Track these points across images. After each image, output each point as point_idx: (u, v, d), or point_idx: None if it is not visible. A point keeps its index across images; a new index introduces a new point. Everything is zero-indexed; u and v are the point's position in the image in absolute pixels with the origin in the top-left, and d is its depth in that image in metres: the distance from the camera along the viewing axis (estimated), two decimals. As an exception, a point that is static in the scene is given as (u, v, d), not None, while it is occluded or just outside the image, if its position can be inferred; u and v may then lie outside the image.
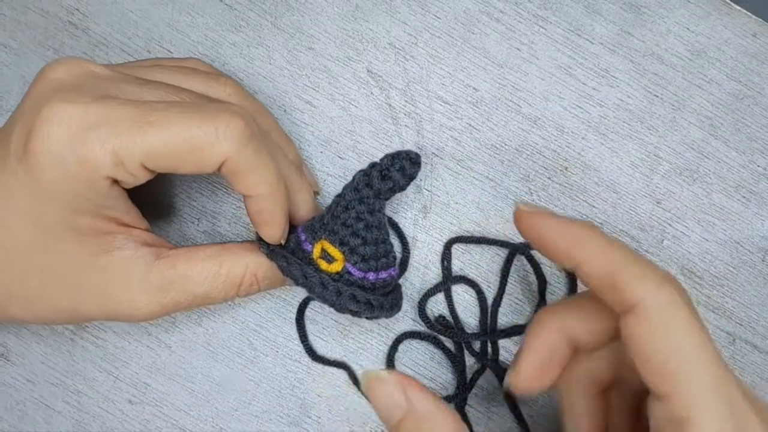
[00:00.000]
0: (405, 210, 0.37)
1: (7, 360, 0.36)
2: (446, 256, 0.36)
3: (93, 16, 0.38)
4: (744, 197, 0.37)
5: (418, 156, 0.30)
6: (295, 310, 0.37)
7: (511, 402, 0.36)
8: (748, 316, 0.36)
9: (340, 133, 0.37)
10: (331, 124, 0.37)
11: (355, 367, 0.36)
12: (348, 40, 0.38)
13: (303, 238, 0.31)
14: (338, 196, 0.30)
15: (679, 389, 0.23)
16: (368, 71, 0.37)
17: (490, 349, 0.36)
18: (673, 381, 0.23)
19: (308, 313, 0.37)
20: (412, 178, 0.30)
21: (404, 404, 0.25)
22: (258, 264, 0.31)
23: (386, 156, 0.30)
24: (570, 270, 0.27)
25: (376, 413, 0.27)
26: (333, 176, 0.37)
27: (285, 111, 0.37)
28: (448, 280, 0.36)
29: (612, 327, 0.28)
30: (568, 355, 0.29)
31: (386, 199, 0.30)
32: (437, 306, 0.37)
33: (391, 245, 0.31)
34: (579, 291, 0.37)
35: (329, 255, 0.30)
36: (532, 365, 0.28)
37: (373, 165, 0.30)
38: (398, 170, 0.29)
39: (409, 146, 0.37)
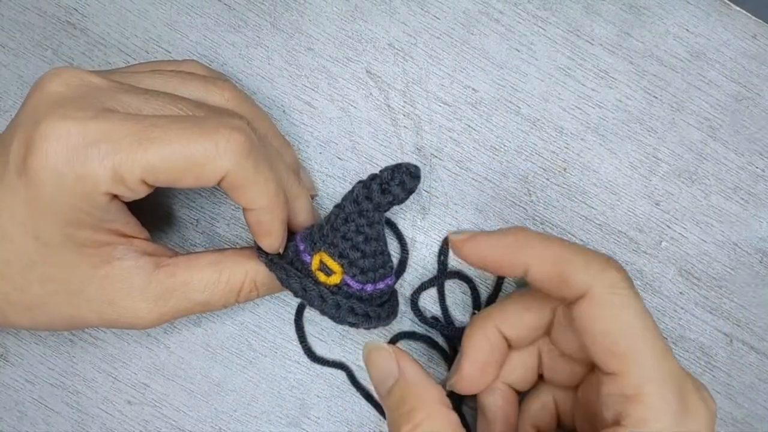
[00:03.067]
0: (404, 211, 0.37)
1: (6, 361, 0.36)
2: (443, 251, 0.37)
3: (91, 16, 0.37)
4: (742, 199, 0.37)
5: (417, 169, 0.30)
6: (293, 311, 0.37)
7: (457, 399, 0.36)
8: (745, 317, 0.36)
9: (339, 134, 0.37)
10: (330, 125, 0.37)
11: (353, 367, 0.37)
12: (347, 41, 0.37)
13: (301, 248, 0.31)
14: (337, 206, 0.31)
15: (629, 367, 0.25)
16: (367, 72, 0.37)
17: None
18: (623, 360, 0.25)
19: (307, 314, 0.37)
20: (411, 191, 0.30)
21: (396, 372, 0.28)
22: (257, 271, 0.32)
23: (386, 169, 0.29)
24: (520, 276, 0.29)
25: (372, 381, 0.29)
26: (332, 177, 0.37)
27: (284, 112, 0.37)
28: (443, 274, 0.36)
29: (538, 323, 0.31)
30: (505, 354, 0.32)
31: (385, 211, 0.30)
32: (434, 306, 0.37)
33: (389, 255, 0.32)
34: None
35: (328, 267, 0.30)
36: (471, 368, 0.31)
37: (373, 178, 0.30)
38: (398, 184, 0.29)
39: (408, 147, 0.37)
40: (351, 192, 0.30)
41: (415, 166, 0.30)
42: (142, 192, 0.28)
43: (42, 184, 0.26)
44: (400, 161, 0.37)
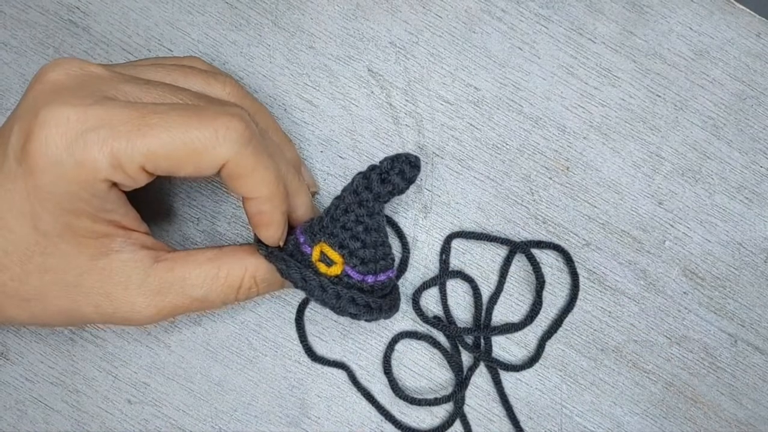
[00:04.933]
0: (405, 210, 0.37)
1: (7, 359, 0.36)
2: (445, 250, 0.36)
3: (93, 15, 0.37)
4: (746, 198, 0.36)
5: (417, 159, 0.29)
6: (294, 311, 0.36)
7: (507, 405, 0.36)
8: (750, 318, 0.36)
9: (341, 133, 0.37)
10: (332, 124, 0.37)
11: (354, 367, 0.36)
12: (349, 39, 0.37)
13: (302, 240, 0.31)
14: (337, 198, 0.30)
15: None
16: (369, 70, 0.37)
17: (483, 345, 0.36)
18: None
19: (308, 313, 0.36)
20: (411, 181, 0.29)
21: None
22: (257, 267, 0.31)
23: (386, 159, 0.29)
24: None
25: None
26: (333, 176, 0.37)
27: (285, 110, 0.37)
28: (445, 273, 0.36)
29: None
30: None
31: (385, 202, 0.30)
32: (435, 305, 0.37)
33: (390, 247, 0.31)
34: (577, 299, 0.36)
35: (328, 258, 0.30)
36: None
37: (372, 168, 0.29)
38: (398, 174, 0.29)
39: (409, 146, 0.37)
40: (351, 183, 0.30)
41: (415, 156, 0.29)
42: (141, 180, 0.27)
43: (41, 171, 0.26)
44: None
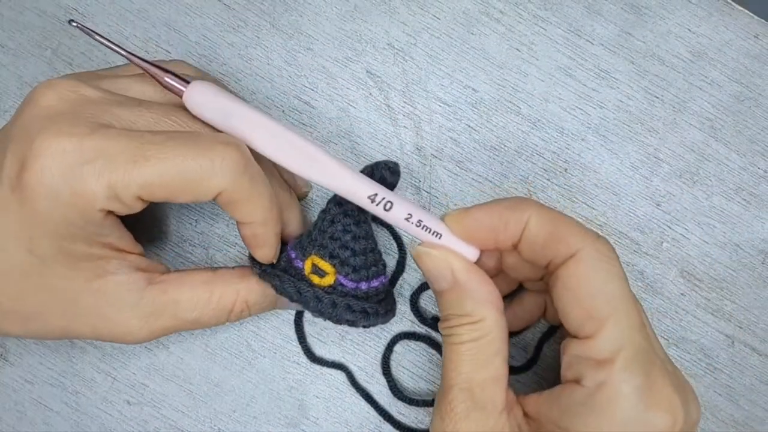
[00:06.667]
0: (403, 211, 0.37)
1: (6, 360, 0.36)
2: None
3: (91, 16, 0.37)
4: (744, 200, 0.36)
5: (396, 165, 0.30)
6: (293, 312, 0.37)
7: None
8: (747, 319, 0.36)
9: (339, 134, 0.37)
10: (330, 125, 0.37)
11: (353, 368, 0.36)
12: (347, 41, 0.37)
13: (293, 255, 0.31)
14: (323, 211, 0.31)
15: (604, 333, 0.26)
16: (367, 72, 0.37)
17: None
18: (600, 325, 0.26)
19: (306, 314, 0.37)
20: (392, 187, 0.30)
21: (450, 278, 0.28)
22: (249, 290, 0.32)
23: (366, 167, 0.30)
24: (513, 240, 0.28)
25: (425, 278, 0.30)
26: (331, 177, 0.37)
27: (283, 112, 0.37)
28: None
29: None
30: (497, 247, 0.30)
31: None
32: (434, 306, 0.37)
33: (380, 253, 0.32)
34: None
35: (320, 269, 0.30)
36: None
37: None
38: (379, 181, 0.29)
39: (408, 147, 0.37)
40: (334, 195, 0.30)
41: (394, 162, 0.30)
42: (137, 207, 0.28)
43: (37, 200, 0.26)
44: (398, 161, 0.37)
